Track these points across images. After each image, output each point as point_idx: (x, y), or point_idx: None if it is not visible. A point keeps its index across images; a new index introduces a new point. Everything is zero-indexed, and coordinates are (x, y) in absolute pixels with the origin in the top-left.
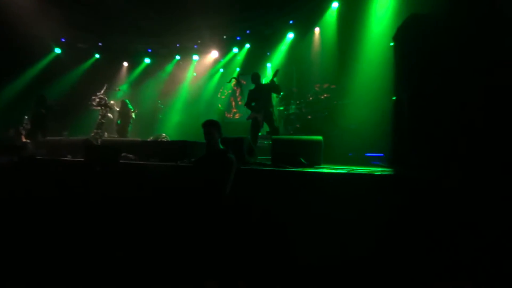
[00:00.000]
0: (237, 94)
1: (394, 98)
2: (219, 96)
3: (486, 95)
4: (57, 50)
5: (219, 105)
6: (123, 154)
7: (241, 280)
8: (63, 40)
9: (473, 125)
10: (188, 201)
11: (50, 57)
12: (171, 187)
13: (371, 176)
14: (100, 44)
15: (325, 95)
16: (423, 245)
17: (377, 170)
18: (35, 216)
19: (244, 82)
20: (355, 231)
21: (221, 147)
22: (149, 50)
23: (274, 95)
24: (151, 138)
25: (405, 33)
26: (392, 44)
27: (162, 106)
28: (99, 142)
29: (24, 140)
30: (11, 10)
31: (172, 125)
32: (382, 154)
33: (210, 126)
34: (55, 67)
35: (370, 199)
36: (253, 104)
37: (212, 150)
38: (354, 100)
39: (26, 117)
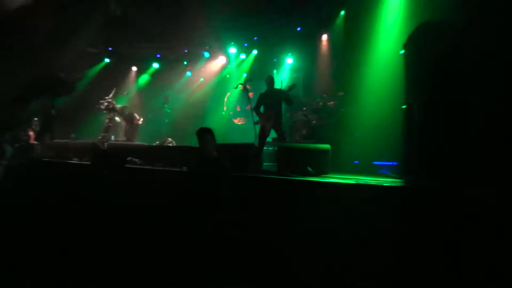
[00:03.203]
0: (245, 100)
1: (404, 106)
2: (225, 101)
3: (504, 103)
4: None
5: (226, 110)
6: (129, 159)
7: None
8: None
9: (490, 134)
10: (189, 206)
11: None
12: (174, 193)
13: (380, 186)
14: (110, 49)
15: (332, 102)
16: (437, 261)
17: (386, 181)
18: (39, 218)
19: (250, 87)
20: (364, 245)
21: (215, 154)
22: (158, 56)
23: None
24: (157, 142)
25: (416, 41)
26: (402, 51)
27: (169, 111)
28: (105, 145)
29: (33, 142)
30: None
31: (179, 130)
32: (394, 163)
33: (205, 133)
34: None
35: (379, 210)
36: (261, 109)
37: (206, 157)
38: (362, 108)
39: (35, 118)
